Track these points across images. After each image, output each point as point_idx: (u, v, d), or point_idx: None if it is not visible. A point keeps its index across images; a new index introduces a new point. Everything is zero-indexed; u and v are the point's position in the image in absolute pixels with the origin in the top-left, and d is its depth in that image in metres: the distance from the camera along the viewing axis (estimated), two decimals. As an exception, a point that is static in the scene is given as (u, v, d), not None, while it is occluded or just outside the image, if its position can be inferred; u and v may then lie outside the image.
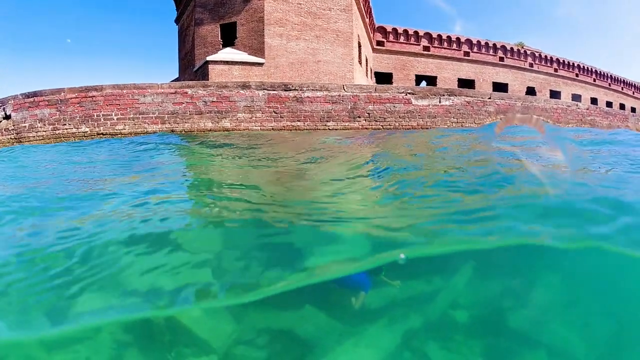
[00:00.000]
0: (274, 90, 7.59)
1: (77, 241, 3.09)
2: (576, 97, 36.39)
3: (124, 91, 7.64)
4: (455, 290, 5.52)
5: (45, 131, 7.64)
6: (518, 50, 35.45)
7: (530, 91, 34.91)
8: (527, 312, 5.15)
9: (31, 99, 7.79)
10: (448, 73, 32.29)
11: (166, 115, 7.63)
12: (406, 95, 7.98)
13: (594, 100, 38.11)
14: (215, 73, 18.37)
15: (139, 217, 3.59)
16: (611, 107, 38.95)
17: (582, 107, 11.32)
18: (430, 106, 8.32)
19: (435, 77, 32.00)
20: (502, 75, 34.19)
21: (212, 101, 7.59)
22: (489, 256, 5.83)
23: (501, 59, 34.60)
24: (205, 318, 4.76)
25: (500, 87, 33.33)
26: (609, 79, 42.45)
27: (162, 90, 7.69)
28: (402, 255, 4.28)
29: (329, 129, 7.84)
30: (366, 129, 7.97)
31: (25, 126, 7.72)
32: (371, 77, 28.68)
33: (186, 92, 7.65)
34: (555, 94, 35.76)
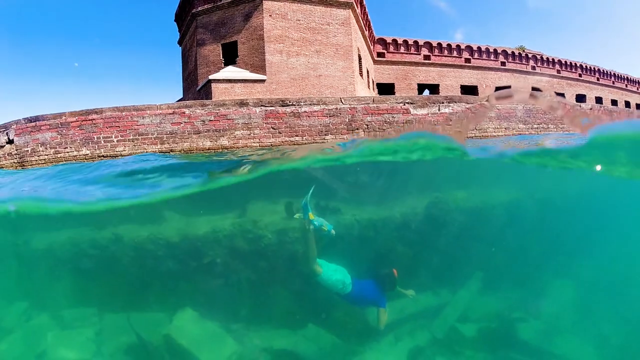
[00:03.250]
0: (272, 106, 7.60)
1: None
2: (581, 98, 36.05)
3: (124, 113, 7.71)
4: (462, 303, 5.36)
5: (47, 155, 7.73)
6: (519, 54, 35.40)
7: (534, 94, 34.66)
8: (537, 322, 4.97)
9: (33, 123, 7.92)
10: (450, 80, 32.30)
11: (165, 136, 7.67)
12: (404, 104, 7.93)
13: (598, 100, 37.69)
14: (218, 91, 18.60)
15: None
16: (616, 105, 38.49)
17: (585, 107, 11.16)
18: (429, 115, 8.24)
19: (438, 85, 32.02)
20: (504, 79, 34.08)
21: (210, 120, 7.62)
22: (496, 265, 5.66)
23: (503, 63, 34.54)
24: (205, 339, 4.67)
25: (503, 92, 33.17)
26: (613, 77, 42.07)
27: (161, 111, 7.74)
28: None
29: (327, 142, 7.81)
30: (365, 140, 7.87)
31: (27, 150, 7.83)
32: (373, 89, 28.78)
33: (184, 112, 7.70)
34: (559, 96, 35.47)
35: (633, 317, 4.85)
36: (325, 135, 7.91)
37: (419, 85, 31.57)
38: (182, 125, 7.66)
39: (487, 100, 9.51)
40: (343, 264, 4.52)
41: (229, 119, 7.57)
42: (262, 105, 7.63)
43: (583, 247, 5.58)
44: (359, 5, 23.52)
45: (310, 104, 7.64)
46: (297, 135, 7.50)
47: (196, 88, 21.39)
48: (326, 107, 7.71)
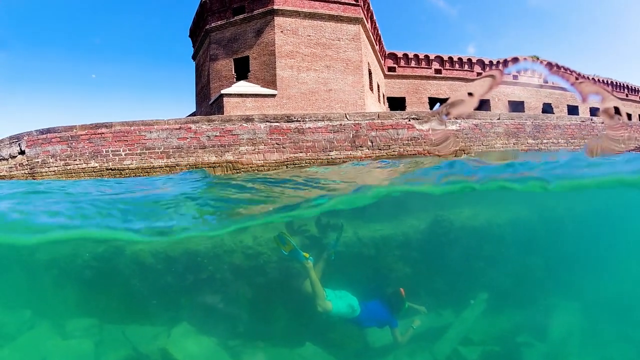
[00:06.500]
0: (277, 122, 7.66)
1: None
2: (595, 111, 35.46)
3: (132, 128, 7.88)
4: (466, 324, 5.23)
5: (57, 167, 7.91)
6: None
7: (547, 108, 34.29)
8: (543, 346, 4.80)
9: (44, 135, 8.14)
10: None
11: (171, 150, 7.78)
12: (409, 120, 7.90)
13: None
14: (230, 106, 18.87)
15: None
16: (630, 119, 37.72)
17: (597, 121, 10.93)
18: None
19: (448, 99, 31.90)
20: (517, 93, 33.79)
21: (216, 135, 7.72)
22: (501, 286, 5.52)
23: (515, 77, 34.28)
24: (201, 355, 4.64)
25: (516, 106, 32.89)
26: (626, 90, 41.37)
27: (168, 126, 7.88)
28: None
29: (331, 159, 7.79)
30: (369, 157, 7.86)
31: (38, 161, 8.03)
32: (384, 103, 28.84)
33: (190, 128, 7.82)
34: (573, 109, 34.97)
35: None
36: (330, 151, 7.90)
37: (430, 99, 31.54)
38: (188, 140, 7.78)
39: (498, 118, 9.33)
40: (345, 286, 4.46)
41: (234, 135, 7.65)
42: (267, 121, 7.70)
43: (590, 268, 5.42)
44: (369, 21, 23.77)
45: (314, 120, 7.67)
46: (301, 152, 7.52)
47: (208, 102, 21.76)
48: (330, 123, 7.72)
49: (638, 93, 42.70)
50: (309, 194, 5.13)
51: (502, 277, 5.22)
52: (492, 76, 2.24)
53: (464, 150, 8.17)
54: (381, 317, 4.45)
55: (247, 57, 20.67)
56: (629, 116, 38.16)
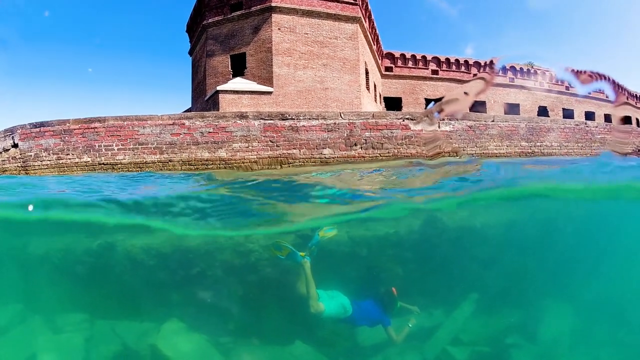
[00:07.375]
0: (271, 119, 7.65)
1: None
2: (590, 115, 35.73)
3: (125, 122, 7.83)
4: (456, 325, 5.25)
5: (49, 160, 7.86)
6: (528, 70, 35.33)
7: (543, 111, 34.50)
8: (533, 347, 4.84)
9: (38, 129, 8.08)
10: (458, 96, 32.24)
11: (164, 146, 7.74)
12: (404, 120, 7.91)
13: (607, 117, 37.30)
14: (225, 102, 18.80)
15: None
16: (630, 122, 38.00)
17: (591, 125, 11.01)
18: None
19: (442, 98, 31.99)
20: (513, 95, 33.96)
21: (209, 132, 7.70)
22: (494, 287, 5.55)
23: (511, 79, 34.46)
24: (191, 351, 4.63)
25: (512, 108, 33.07)
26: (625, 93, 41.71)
27: (161, 122, 7.84)
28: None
29: (325, 157, 7.77)
30: (363, 157, 7.85)
31: (31, 155, 7.97)
32: (380, 103, 28.86)
33: (184, 124, 7.79)
34: (568, 113, 35.22)
35: (632, 342, 4.70)
36: (323, 149, 7.90)
37: (426, 99, 31.62)
38: (181, 136, 7.75)
39: (492, 120, 9.36)
40: (338, 285, 4.46)
41: (227, 132, 7.63)
42: (261, 119, 7.68)
43: (582, 270, 5.46)
44: (367, 20, 23.76)
45: (309, 118, 7.67)
46: (294, 149, 7.50)
47: (204, 98, 21.66)
48: (324, 122, 7.72)
49: (634, 98, 43.05)
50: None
51: (493, 278, 5.25)
52: (483, 78, 2.25)
53: (455, 152, 8.24)
54: (373, 316, 4.47)
55: (244, 54, 20.59)
56: (628, 119, 38.46)
